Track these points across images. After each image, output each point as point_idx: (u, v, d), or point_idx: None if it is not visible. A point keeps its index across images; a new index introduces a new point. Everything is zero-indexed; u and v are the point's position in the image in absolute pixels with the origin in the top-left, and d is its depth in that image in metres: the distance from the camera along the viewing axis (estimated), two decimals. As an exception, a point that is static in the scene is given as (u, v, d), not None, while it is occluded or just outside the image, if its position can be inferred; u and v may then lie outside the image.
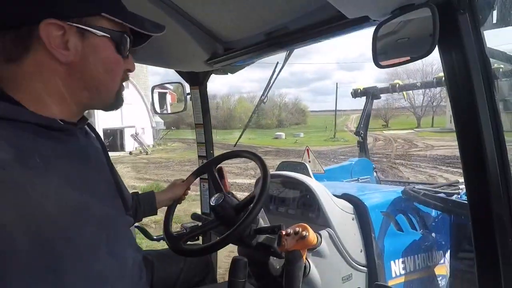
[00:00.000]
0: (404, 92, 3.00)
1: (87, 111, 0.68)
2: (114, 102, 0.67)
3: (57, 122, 0.58)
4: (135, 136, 19.08)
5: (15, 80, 0.55)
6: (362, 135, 3.00)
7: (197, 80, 1.69)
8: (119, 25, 0.61)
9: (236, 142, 1.95)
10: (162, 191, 1.24)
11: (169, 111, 1.91)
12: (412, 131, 26.84)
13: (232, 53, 1.31)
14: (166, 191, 1.23)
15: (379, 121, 40.96)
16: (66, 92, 0.59)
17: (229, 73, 1.64)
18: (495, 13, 0.71)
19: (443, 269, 1.56)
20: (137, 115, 19.88)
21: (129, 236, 0.68)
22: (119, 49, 0.63)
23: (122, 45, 0.63)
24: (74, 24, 0.56)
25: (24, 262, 0.44)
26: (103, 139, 0.78)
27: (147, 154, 17.43)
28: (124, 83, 0.69)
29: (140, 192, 1.19)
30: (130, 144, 19.37)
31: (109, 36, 0.60)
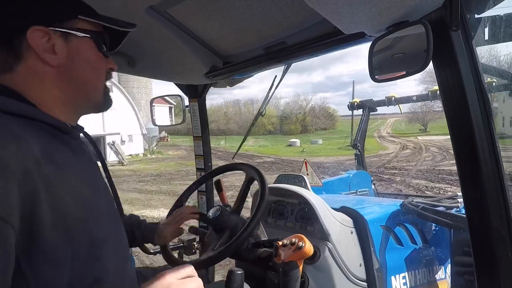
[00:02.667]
0: (400, 105, 3.04)
1: None
2: (103, 102, 0.69)
3: (67, 125, 0.63)
4: (111, 145, 18.08)
5: (16, 87, 0.59)
6: (359, 147, 3.02)
7: (196, 93, 1.71)
8: (96, 26, 0.66)
9: (236, 153, 1.96)
10: (165, 224, 1.16)
11: (169, 123, 1.92)
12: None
13: (231, 67, 1.33)
14: (167, 227, 1.15)
15: (416, 125, 37.52)
16: (62, 95, 0.63)
17: (227, 86, 1.65)
18: (486, 30, 0.73)
19: (444, 284, 1.54)
20: (123, 121, 18.78)
21: (126, 240, 0.70)
22: (100, 48, 0.67)
23: (102, 44, 0.67)
24: (57, 29, 0.61)
25: (48, 248, 0.48)
26: None
27: (123, 165, 16.64)
28: (108, 84, 0.72)
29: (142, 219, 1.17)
30: (113, 153, 18.08)
31: (89, 36, 0.65)
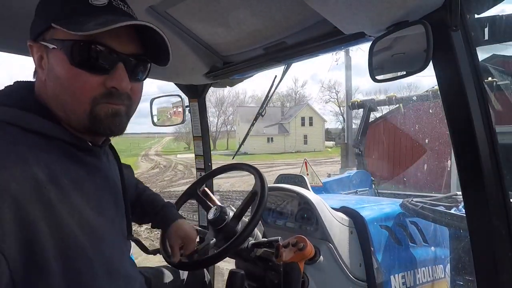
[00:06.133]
0: (401, 105, 3.05)
1: None
2: (91, 127, 0.56)
3: (87, 143, 0.59)
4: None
5: (46, 101, 0.58)
6: (359, 146, 3.02)
7: (196, 93, 1.70)
8: (76, 35, 0.52)
9: (236, 153, 1.97)
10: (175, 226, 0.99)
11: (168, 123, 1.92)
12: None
13: (231, 67, 1.33)
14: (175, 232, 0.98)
15: (181, 143, 41.00)
16: (62, 112, 0.57)
17: (227, 86, 1.65)
18: (486, 30, 0.73)
19: (444, 284, 1.54)
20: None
21: (131, 260, 0.69)
22: (74, 61, 0.53)
23: (78, 56, 0.53)
24: (40, 42, 0.55)
25: (48, 275, 0.47)
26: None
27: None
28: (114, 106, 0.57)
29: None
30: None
31: (57, 47, 0.53)
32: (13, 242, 0.43)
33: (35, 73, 0.59)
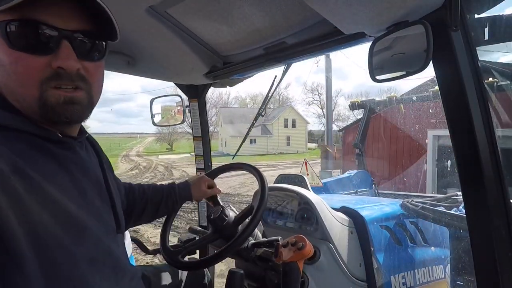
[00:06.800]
0: (401, 105, 3.05)
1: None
2: (44, 114, 0.53)
3: (56, 134, 0.57)
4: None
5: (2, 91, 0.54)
6: (360, 147, 3.02)
7: (196, 93, 1.71)
8: (13, 13, 0.48)
9: (236, 153, 1.96)
10: (195, 185, 1.12)
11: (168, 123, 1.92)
12: (189, 155, 24.61)
13: (231, 67, 1.33)
14: (199, 187, 1.12)
15: (164, 144, 41.50)
16: (15, 101, 0.54)
17: (227, 86, 1.65)
18: (486, 30, 0.73)
19: (443, 284, 1.54)
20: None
21: (125, 254, 0.68)
22: (13, 43, 0.49)
23: (16, 37, 0.49)
24: None
25: (22, 263, 0.46)
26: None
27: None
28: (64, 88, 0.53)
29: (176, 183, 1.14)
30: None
31: None
32: None
33: None
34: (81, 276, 0.53)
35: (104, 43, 0.59)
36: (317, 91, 38.79)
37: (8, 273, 0.45)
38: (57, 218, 0.50)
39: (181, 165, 19.05)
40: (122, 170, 17.59)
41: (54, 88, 0.52)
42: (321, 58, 9.89)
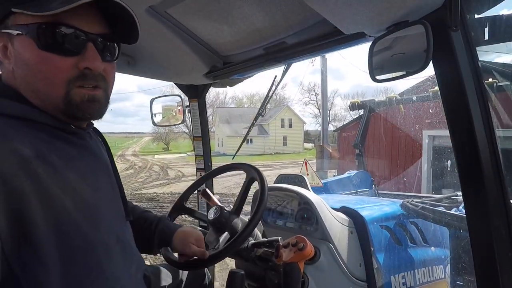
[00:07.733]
0: (401, 105, 3.05)
1: None
2: (68, 111, 0.56)
3: (70, 127, 0.60)
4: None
5: (17, 88, 0.56)
6: (360, 147, 3.02)
7: (196, 93, 1.71)
8: (39, 17, 0.51)
9: (236, 153, 1.97)
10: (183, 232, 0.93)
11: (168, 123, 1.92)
12: (185, 154, 25.02)
13: (231, 67, 1.33)
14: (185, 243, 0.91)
15: (160, 144, 41.41)
16: (36, 99, 0.56)
17: (227, 86, 1.66)
18: (486, 30, 0.73)
19: (443, 284, 1.54)
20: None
21: (133, 242, 0.69)
22: (42, 45, 0.52)
23: (45, 39, 0.52)
24: (2, 30, 0.54)
25: (40, 248, 0.47)
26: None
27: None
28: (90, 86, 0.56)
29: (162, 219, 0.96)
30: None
31: (22, 33, 0.52)
32: (1, 213, 0.44)
33: (0, 64, 0.57)
34: (97, 261, 0.54)
35: (117, 45, 0.63)
36: (314, 91, 38.78)
37: (24, 257, 0.46)
38: (76, 204, 0.52)
39: (177, 165, 18.94)
40: (118, 169, 17.57)
41: (78, 87, 0.56)
42: (317, 58, 9.89)
